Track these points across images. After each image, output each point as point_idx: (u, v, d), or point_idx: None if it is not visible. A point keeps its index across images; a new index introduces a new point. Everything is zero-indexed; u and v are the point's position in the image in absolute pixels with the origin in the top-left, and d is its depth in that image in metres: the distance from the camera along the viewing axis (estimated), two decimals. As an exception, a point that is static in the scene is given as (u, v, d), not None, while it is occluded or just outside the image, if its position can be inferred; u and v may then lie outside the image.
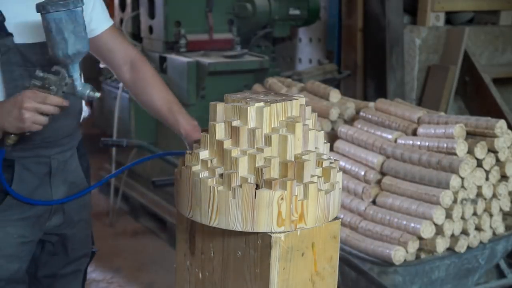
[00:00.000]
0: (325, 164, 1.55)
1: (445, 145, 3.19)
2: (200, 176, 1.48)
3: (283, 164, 1.46)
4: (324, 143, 1.61)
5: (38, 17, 1.84)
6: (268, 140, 1.48)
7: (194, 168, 1.50)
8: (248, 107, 1.48)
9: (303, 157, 1.48)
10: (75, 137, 2.31)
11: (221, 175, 1.47)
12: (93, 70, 6.40)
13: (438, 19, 5.21)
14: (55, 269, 2.28)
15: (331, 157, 1.62)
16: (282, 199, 1.43)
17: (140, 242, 4.80)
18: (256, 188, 1.44)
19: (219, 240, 1.53)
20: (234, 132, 1.49)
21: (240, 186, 1.44)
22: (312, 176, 1.49)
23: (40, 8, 1.81)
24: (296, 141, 1.49)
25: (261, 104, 1.50)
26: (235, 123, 1.50)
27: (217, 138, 1.50)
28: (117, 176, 5.14)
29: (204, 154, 1.52)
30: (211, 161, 1.50)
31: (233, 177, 1.45)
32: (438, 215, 3.07)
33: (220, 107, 1.53)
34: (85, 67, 7.44)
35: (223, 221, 1.46)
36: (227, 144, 1.49)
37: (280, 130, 1.49)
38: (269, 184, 1.43)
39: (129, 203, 5.29)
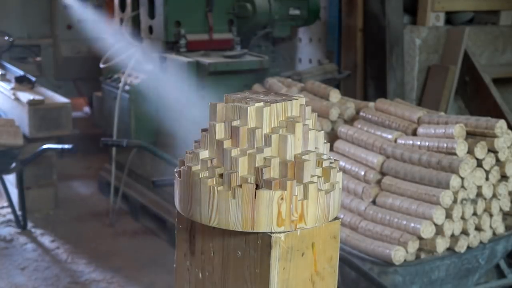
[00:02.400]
0: (325, 164, 1.55)
1: (445, 145, 3.19)
2: (200, 176, 1.48)
3: (283, 164, 1.46)
4: (324, 143, 1.61)
5: None
6: (268, 140, 1.48)
7: (194, 168, 1.50)
8: (248, 107, 1.48)
9: (303, 157, 1.48)
10: None
11: (221, 175, 1.48)
12: (93, 70, 6.42)
13: (438, 19, 5.21)
14: None
15: (331, 157, 1.62)
16: (282, 199, 1.43)
17: (140, 242, 4.80)
18: (256, 188, 1.44)
19: (219, 240, 1.53)
20: (234, 132, 1.49)
21: (240, 186, 1.44)
22: (312, 176, 1.49)
23: None
24: (296, 141, 1.49)
25: (261, 104, 1.50)
26: (235, 123, 1.50)
27: (217, 138, 1.50)
28: (116, 176, 5.14)
29: (204, 154, 1.52)
30: (211, 161, 1.50)
31: (233, 177, 1.45)
32: (438, 215, 3.07)
33: (220, 107, 1.53)
34: (86, 67, 7.42)
35: (223, 221, 1.46)
36: (227, 144, 1.49)
37: (280, 130, 1.50)
38: (269, 184, 1.43)
39: (129, 203, 5.29)
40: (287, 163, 1.46)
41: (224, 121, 1.52)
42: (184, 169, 1.52)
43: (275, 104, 1.51)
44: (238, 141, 1.49)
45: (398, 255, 3.04)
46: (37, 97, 5.14)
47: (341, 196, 3.45)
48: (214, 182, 1.47)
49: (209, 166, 1.49)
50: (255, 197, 1.43)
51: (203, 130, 1.56)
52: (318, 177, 1.51)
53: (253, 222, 1.44)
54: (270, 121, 1.51)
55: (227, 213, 1.45)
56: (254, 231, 1.45)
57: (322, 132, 1.61)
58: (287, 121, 1.51)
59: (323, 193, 1.50)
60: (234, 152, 1.47)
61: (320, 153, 1.57)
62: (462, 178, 3.12)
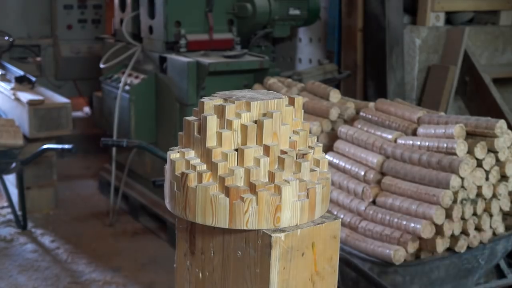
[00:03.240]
0: (315, 157, 1.56)
1: (445, 145, 3.19)
2: (196, 180, 1.48)
3: (273, 164, 1.47)
4: (317, 142, 1.62)
5: None
6: (259, 139, 1.49)
7: (187, 171, 1.50)
8: (227, 106, 1.50)
9: (291, 154, 1.48)
10: None
11: (217, 178, 1.48)
12: (93, 70, 6.41)
13: (438, 19, 5.21)
14: None
15: (324, 154, 1.63)
16: (276, 199, 1.44)
17: (140, 242, 4.80)
18: (252, 190, 1.44)
19: (219, 240, 1.53)
20: (224, 135, 1.50)
21: (236, 188, 1.44)
22: (302, 173, 1.49)
23: None
24: (283, 140, 1.50)
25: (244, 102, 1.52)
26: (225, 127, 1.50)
27: (207, 145, 1.50)
28: (117, 176, 5.14)
29: (194, 157, 1.53)
30: (203, 165, 1.50)
31: (228, 180, 1.45)
32: (438, 215, 3.07)
33: (208, 105, 1.55)
34: (86, 67, 7.39)
35: (221, 222, 1.46)
36: (217, 148, 1.50)
37: (265, 126, 1.50)
38: (263, 185, 1.44)
39: (129, 203, 5.29)
40: (278, 161, 1.47)
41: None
42: (177, 175, 1.52)
43: (259, 101, 1.51)
44: (227, 143, 1.49)
45: (398, 255, 3.04)
46: (37, 97, 5.14)
47: (341, 196, 3.46)
48: (211, 186, 1.47)
49: (203, 169, 1.49)
50: (254, 198, 1.43)
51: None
52: (311, 170, 1.51)
53: (253, 222, 1.44)
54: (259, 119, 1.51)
55: (225, 214, 1.45)
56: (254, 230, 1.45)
57: (308, 124, 1.61)
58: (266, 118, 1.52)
59: (318, 188, 1.50)
60: (227, 156, 1.47)
61: (306, 149, 1.57)
62: (462, 178, 3.12)
